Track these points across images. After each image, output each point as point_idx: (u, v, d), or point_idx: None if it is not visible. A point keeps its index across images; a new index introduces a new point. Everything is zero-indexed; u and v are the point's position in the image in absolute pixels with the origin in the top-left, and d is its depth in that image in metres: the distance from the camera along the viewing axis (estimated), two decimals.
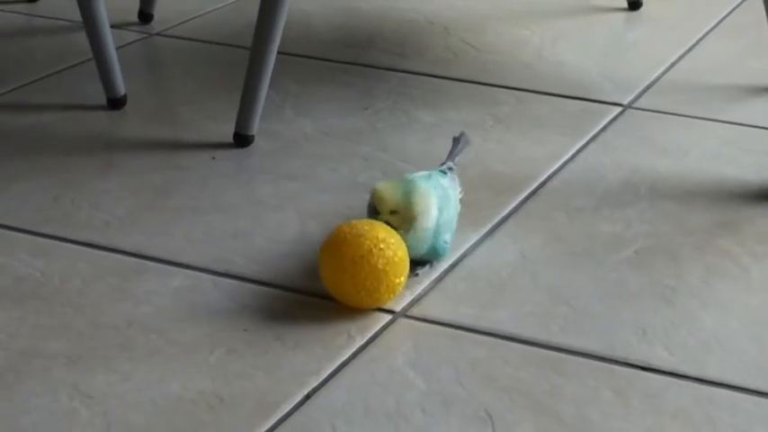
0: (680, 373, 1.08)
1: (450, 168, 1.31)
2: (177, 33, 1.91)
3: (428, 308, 1.18)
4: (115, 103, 1.63)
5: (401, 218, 1.19)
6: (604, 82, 1.72)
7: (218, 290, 1.20)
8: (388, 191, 1.20)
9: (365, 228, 1.16)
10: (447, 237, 1.23)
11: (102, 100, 1.64)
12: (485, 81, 1.72)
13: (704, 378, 1.07)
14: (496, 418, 1.02)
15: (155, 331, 1.13)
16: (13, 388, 1.05)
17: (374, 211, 1.20)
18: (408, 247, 1.18)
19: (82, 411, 1.02)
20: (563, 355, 1.11)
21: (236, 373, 1.07)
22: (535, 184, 1.42)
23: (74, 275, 1.23)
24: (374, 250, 1.14)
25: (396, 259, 1.14)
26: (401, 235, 1.18)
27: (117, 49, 1.64)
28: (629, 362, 1.10)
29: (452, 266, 1.25)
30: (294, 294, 1.20)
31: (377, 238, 1.15)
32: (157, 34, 1.91)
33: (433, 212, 1.21)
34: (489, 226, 1.33)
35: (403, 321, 1.16)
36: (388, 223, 1.18)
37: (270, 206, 1.37)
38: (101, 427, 1.00)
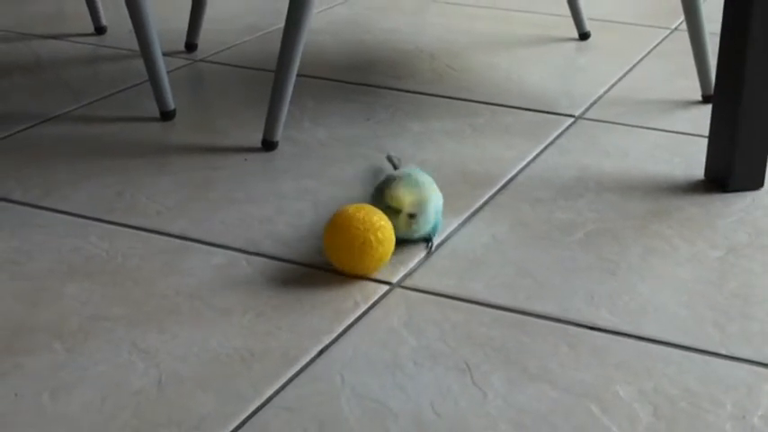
0: (622, 331, 1.07)
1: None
2: (217, 60, 1.90)
3: (418, 280, 1.17)
4: (166, 115, 1.62)
5: (418, 208, 1.19)
6: (560, 98, 1.71)
7: (249, 265, 1.19)
8: (405, 193, 1.19)
9: (353, 212, 1.16)
10: (439, 215, 1.24)
11: (156, 113, 1.63)
12: (464, 97, 1.71)
13: (642, 336, 1.06)
14: (474, 368, 1.01)
15: (198, 299, 1.12)
16: (84, 345, 1.04)
17: (388, 208, 1.19)
18: (419, 229, 1.20)
19: (139, 364, 1.01)
20: (527, 318, 1.10)
21: (264, 332, 1.06)
22: (504, 180, 1.41)
23: (133, 254, 1.22)
24: (354, 230, 1.14)
25: (372, 238, 1.14)
26: (414, 221, 1.19)
27: (168, 72, 1.62)
28: (581, 323, 1.09)
29: (437, 247, 1.24)
30: (310, 269, 1.18)
31: (361, 220, 1.15)
32: (200, 60, 1.90)
33: (435, 198, 1.22)
34: (467, 214, 1.32)
35: (398, 291, 1.15)
36: (409, 215, 1.18)
37: (291, 198, 1.36)
38: (154, 376, 0.99)
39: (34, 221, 1.30)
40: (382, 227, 1.15)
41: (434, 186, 1.24)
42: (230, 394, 0.97)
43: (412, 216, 1.19)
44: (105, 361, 1.02)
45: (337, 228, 1.15)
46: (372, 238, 1.14)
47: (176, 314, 1.10)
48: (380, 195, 1.21)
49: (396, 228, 1.18)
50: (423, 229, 1.21)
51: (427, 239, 1.23)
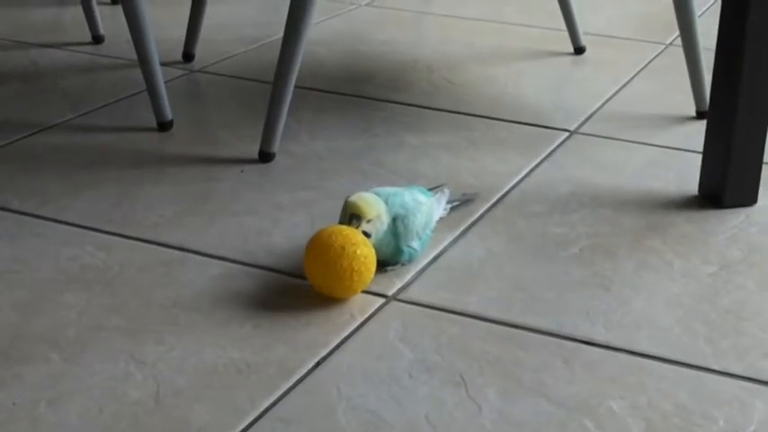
0: (616, 346, 1.08)
1: (441, 191, 1.31)
2: (214, 70, 1.91)
3: (414, 293, 1.18)
4: (164, 126, 1.63)
5: (371, 227, 1.18)
6: (555, 112, 1.72)
7: (246, 277, 1.20)
8: (364, 204, 1.17)
9: (328, 235, 1.15)
10: (414, 244, 1.21)
11: (153, 124, 1.63)
12: (460, 111, 1.72)
13: (635, 351, 1.07)
14: (469, 381, 1.02)
15: (195, 310, 1.13)
16: (81, 355, 1.05)
17: (349, 220, 1.17)
18: (376, 248, 1.17)
19: (136, 374, 1.02)
20: (522, 332, 1.10)
21: (261, 344, 1.07)
22: (499, 195, 1.42)
23: (130, 265, 1.23)
24: (329, 252, 1.13)
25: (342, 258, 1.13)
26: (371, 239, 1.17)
27: (165, 82, 1.63)
28: (575, 337, 1.10)
29: (433, 260, 1.25)
30: (307, 281, 1.19)
31: (337, 243, 1.13)
32: (198, 71, 1.91)
33: (383, 218, 1.18)
34: (462, 228, 1.33)
35: (394, 304, 1.16)
36: (364, 232, 1.16)
37: (288, 210, 1.37)
38: (151, 387, 1.00)
39: (31, 231, 1.30)
40: (360, 253, 1.13)
41: (415, 208, 1.21)
42: (227, 406, 0.98)
43: (366, 234, 1.16)
44: (102, 371, 1.02)
45: (315, 254, 1.14)
46: (348, 264, 1.13)
47: (173, 325, 1.10)
48: (343, 210, 1.19)
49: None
50: (381, 251, 1.18)
51: (394, 263, 1.22)
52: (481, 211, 1.37)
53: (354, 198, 1.18)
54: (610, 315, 1.13)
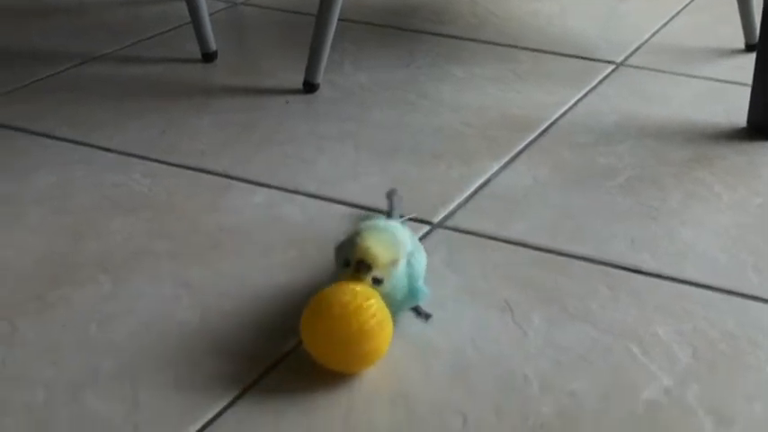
0: (662, 274, 1.07)
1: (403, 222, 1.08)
2: (257, 3, 1.90)
3: (459, 220, 1.17)
4: (208, 57, 1.62)
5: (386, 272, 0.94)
6: (602, 44, 1.70)
7: (290, 204, 1.20)
8: (378, 249, 0.94)
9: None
10: (421, 282, 0.97)
11: (198, 55, 1.63)
12: (505, 43, 1.70)
13: (682, 279, 1.06)
14: (514, 306, 1.01)
15: (240, 235, 1.13)
16: (129, 279, 1.05)
17: (347, 264, 0.94)
18: (387, 295, 0.93)
19: (183, 297, 1.02)
20: (567, 259, 1.10)
21: (306, 269, 1.07)
22: (545, 125, 1.41)
23: (176, 191, 1.23)
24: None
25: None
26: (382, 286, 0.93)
27: (209, 15, 1.62)
28: (621, 265, 1.08)
29: (479, 188, 1.24)
30: (351, 207, 1.19)
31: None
32: (242, 3, 1.90)
33: (402, 259, 0.95)
34: (508, 157, 1.32)
35: (439, 231, 1.15)
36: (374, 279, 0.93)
37: (331, 140, 1.36)
38: (198, 310, 1.00)
39: (79, 158, 1.31)
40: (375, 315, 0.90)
41: (416, 243, 1.00)
42: (271, 330, 0.98)
43: (378, 281, 0.93)
44: (150, 294, 1.03)
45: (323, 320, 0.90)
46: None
47: (219, 250, 1.10)
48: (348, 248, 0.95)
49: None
50: (393, 297, 0.94)
51: (416, 311, 0.99)
52: (527, 141, 1.35)
53: (367, 242, 0.94)
54: (656, 244, 1.12)
